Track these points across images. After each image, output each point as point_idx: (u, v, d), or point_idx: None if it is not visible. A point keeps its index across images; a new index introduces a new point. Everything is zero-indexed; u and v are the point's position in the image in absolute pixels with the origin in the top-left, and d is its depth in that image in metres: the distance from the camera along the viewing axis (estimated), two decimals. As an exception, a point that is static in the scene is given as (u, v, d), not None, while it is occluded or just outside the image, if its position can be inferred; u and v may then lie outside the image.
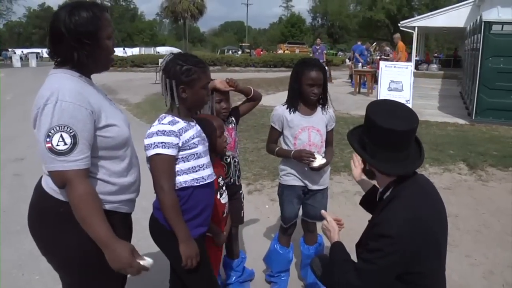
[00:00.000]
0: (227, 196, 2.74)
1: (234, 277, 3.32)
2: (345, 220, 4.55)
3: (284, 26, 78.53)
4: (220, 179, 2.66)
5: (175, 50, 40.31)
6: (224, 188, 2.70)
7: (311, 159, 2.98)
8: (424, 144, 2.16)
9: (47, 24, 1.95)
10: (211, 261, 2.64)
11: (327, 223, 2.36)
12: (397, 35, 17.23)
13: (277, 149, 3.17)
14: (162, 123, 2.14)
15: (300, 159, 3.01)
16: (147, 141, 2.13)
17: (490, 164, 6.48)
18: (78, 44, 1.84)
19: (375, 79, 16.13)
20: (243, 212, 3.34)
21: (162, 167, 2.10)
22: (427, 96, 14.82)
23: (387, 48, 19.89)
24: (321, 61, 15.26)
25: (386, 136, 1.97)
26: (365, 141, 2.04)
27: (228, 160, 3.03)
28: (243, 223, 3.55)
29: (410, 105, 9.78)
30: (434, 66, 29.33)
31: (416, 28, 26.04)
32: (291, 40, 59.72)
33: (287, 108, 3.12)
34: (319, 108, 3.14)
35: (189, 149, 2.18)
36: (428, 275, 2.00)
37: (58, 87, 1.79)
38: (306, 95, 3.02)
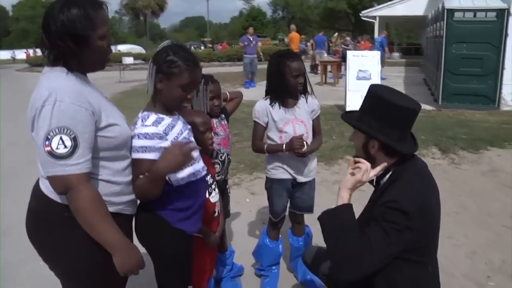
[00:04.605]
0: (217, 195, 2.66)
1: (225, 271, 3.29)
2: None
3: (245, 20, 78.29)
4: (209, 177, 2.57)
5: (137, 47, 39.73)
6: (213, 186, 2.62)
7: (303, 144, 2.98)
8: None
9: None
10: (207, 262, 2.61)
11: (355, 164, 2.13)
12: (292, 26, 17.68)
13: (266, 146, 3.13)
14: (146, 125, 2.02)
15: (292, 148, 2.99)
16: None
17: (461, 147, 6.65)
18: (63, 44, 1.74)
19: (340, 68, 16.44)
20: (229, 206, 3.33)
21: (139, 172, 1.99)
22: (392, 84, 14.83)
23: (348, 38, 20.28)
24: (253, 56, 15.18)
25: (404, 116, 2.02)
26: (374, 126, 2.04)
27: (223, 157, 2.99)
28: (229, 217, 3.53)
29: (378, 93, 9.92)
30: (396, 55, 29.90)
31: (377, 18, 26.43)
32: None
33: (269, 103, 3.09)
34: (301, 99, 3.13)
35: None
36: (426, 252, 2.05)
37: (56, 87, 1.70)
38: (292, 86, 3.00)
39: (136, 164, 1.99)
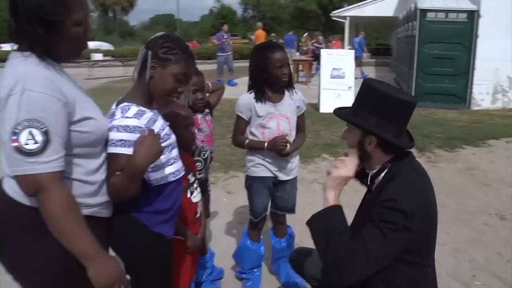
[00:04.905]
0: (199, 195, 2.48)
1: (205, 275, 3.14)
2: (306, 208, 4.50)
3: (215, 19, 77.77)
4: (190, 175, 2.41)
5: (105, 44, 38.91)
6: (195, 185, 2.45)
7: (287, 144, 2.86)
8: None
9: None
10: (188, 266, 2.44)
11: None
12: (259, 24, 17.46)
13: (247, 141, 2.98)
14: (127, 117, 1.82)
15: (275, 148, 2.86)
16: None
17: (437, 146, 6.68)
18: (31, 29, 1.54)
19: (311, 67, 16.50)
20: (210, 205, 3.19)
21: (116, 169, 1.78)
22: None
23: (320, 37, 20.37)
24: (228, 53, 14.86)
25: (402, 109, 1.90)
26: (370, 121, 1.91)
27: (206, 155, 2.84)
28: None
29: (352, 92, 9.92)
30: (366, 55, 30.18)
31: (348, 18, 26.59)
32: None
33: (254, 97, 2.95)
34: (286, 93, 3.00)
35: (164, 141, 1.90)
36: (425, 253, 1.94)
37: (25, 74, 1.49)
38: (277, 78, 2.86)
39: (112, 159, 1.79)
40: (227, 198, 4.97)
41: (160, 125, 1.91)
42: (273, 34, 27.07)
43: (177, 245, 2.24)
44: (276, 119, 2.93)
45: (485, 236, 4.01)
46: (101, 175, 1.74)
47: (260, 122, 2.93)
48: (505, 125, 8.34)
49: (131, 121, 1.81)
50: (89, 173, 1.68)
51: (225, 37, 15.08)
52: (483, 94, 10.25)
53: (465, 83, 10.15)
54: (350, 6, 28.86)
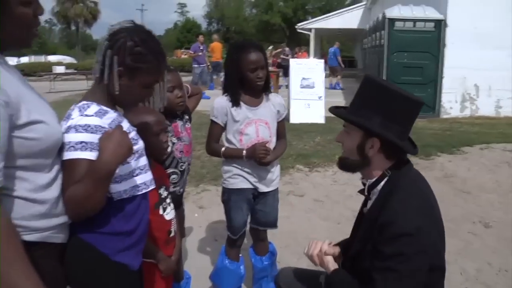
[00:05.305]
0: (173, 211, 2.18)
1: (180, 302, 2.83)
2: (284, 222, 4.26)
3: (179, 32, 77.42)
4: (163, 189, 2.12)
5: (68, 58, 37.90)
6: (168, 201, 2.16)
7: (268, 152, 2.61)
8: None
9: None
10: None
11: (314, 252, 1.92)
12: (215, 36, 17.33)
13: (223, 149, 2.72)
14: (86, 115, 1.52)
15: (255, 156, 2.60)
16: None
17: (413, 154, 6.56)
18: None
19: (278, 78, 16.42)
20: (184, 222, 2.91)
21: (76, 179, 1.45)
22: (331, 94, 15.11)
23: (287, 49, 20.40)
24: (203, 65, 14.46)
25: (409, 109, 1.70)
26: (375, 121, 1.68)
27: (183, 167, 2.55)
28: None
29: (323, 102, 9.78)
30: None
31: (313, 30, 26.79)
32: (188, 45, 58.83)
33: (229, 101, 2.68)
34: (265, 97, 2.76)
35: None
36: (438, 274, 1.75)
37: None
38: (251, 82, 2.61)
39: (70, 168, 1.46)
40: (199, 213, 4.68)
41: (125, 128, 1.60)
42: None
43: (148, 270, 1.96)
44: (255, 124, 2.68)
45: (472, 245, 3.85)
46: (53, 192, 1.43)
47: (237, 128, 2.67)
48: (476, 133, 8.35)
49: (92, 120, 1.51)
50: (37, 189, 1.37)
51: (201, 48, 14.65)
52: (451, 102, 10.32)
53: (433, 91, 10.19)
54: (315, 19, 29.19)
